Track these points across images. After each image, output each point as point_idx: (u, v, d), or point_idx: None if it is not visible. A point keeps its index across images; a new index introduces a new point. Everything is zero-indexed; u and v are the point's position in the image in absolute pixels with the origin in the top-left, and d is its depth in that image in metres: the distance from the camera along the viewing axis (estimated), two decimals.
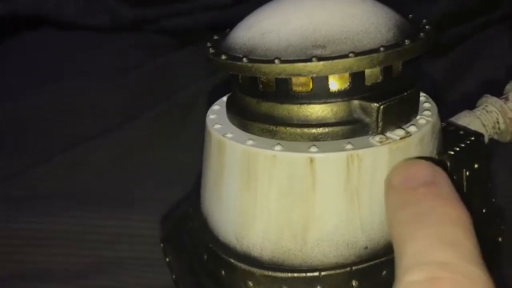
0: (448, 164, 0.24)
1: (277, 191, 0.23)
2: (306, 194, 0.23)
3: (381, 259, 0.23)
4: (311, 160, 0.22)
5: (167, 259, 0.29)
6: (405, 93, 0.23)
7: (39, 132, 0.48)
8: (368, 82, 0.23)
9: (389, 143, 0.23)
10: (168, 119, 0.49)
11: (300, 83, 0.23)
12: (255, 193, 0.23)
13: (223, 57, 0.23)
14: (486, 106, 0.30)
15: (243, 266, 0.24)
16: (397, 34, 0.23)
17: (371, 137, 0.23)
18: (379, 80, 0.23)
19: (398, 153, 0.23)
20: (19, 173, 0.43)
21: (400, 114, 0.23)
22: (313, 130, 0.23)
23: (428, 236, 0.19)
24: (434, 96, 0.27)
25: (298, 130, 0.23)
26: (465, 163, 0.25)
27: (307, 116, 0.23)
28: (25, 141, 0.48)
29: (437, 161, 0.24)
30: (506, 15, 0.57)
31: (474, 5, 0.57)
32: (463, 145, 0.25)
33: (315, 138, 0.23)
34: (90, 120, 0.50)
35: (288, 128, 0.23)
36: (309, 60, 0.21)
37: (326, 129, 0.23)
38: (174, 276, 0.28)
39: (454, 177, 0.24)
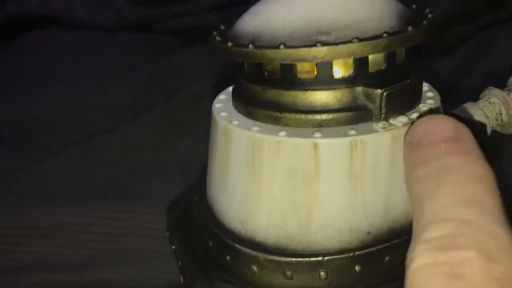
0: None
1: (282, 176, 0.23)
2: (310, 179, 0.23)
3: (384, 245, 0.24)
4: (315, 146, 0.23)
5: (173, 247, 0.29)
6: (408, 80, 0.24)
7: (48, 128, 0.49)
8: (371, 69, 0.23)
9: (392, 129, 0.23)
10: (175, 117, 0.50)
11: (305, 70, 0.23)
12: (260, 179, 0.24)
13: (229, 44, 0.23)
14: (489, 98, 0.30)
15: (247, 251, 0.24)
16: (400, 22, 0.23)
17: (374, 123, 0.23)
18: (382, 67, 0.23)
19: (400, 139, 0.23)
20: (27, 166, 0.44)
21: (403, 101, 0.24)
22: (317, 116, 0.23)
23: (450, 193, 0.18)
24: (439, 95, 0.27)
25: (303, 116, 0.23)
26: None
27: (311, 102, 0.24)
28: (35, 136, 0.48)
29: (460, 118, 0.23)
30: (511, 15, 0.57)
31: (478, 4, 0.58)
32: None
33: (319, 124, 0.23)
34: (98, 117, 0.50)
35: (292, 115, 0.24)
36: (313, 45, 0.21)
37: (330, 115, 0.23)
38: (179, 263, 0.28)
39: None
